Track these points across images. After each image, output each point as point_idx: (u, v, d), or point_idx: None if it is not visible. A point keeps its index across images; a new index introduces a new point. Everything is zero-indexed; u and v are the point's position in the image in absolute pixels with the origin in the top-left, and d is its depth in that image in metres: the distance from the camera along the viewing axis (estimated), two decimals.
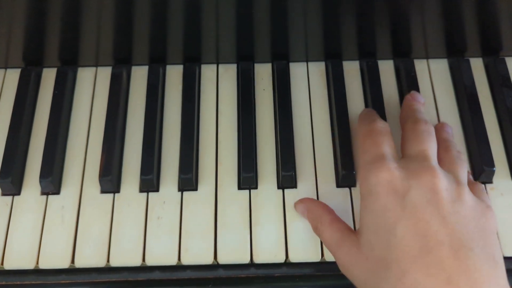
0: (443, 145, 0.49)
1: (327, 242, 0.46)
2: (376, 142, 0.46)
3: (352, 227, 0.50)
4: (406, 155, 0.47)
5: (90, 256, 0.49)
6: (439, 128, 0.52)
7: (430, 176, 0.43)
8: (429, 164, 0.44)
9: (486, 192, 0.51)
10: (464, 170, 0.47)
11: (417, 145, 0.46)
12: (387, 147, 0.46)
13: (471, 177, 0.51)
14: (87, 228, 0.50)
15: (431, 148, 0.46)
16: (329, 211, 0.48)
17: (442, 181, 0.43)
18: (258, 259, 0.49)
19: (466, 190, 0.44)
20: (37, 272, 0.50)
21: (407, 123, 0.49)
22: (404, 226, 0.41)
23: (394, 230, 0.41)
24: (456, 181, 0.44)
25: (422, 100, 0.53)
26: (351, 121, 0.55)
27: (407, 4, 0.52)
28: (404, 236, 0.41)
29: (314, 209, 0.48)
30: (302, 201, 0.50)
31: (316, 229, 0.48)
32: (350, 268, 0.44)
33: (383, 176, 0.43)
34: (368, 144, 0.47)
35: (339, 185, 0.52)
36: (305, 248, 0.49)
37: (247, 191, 0.52)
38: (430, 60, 0.59)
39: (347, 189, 0.52)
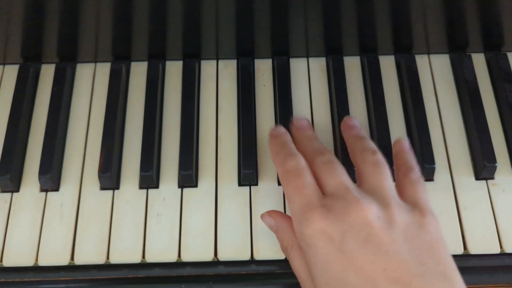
0: (358, 154, 0.47)
1: (295, 269, 0.46)
2: (296, 186, 0.44)
3: None
4: (325, 191, 0.44)
5: (90, 253, 0.49)
6: (346, 129, 0.51)
7: (357, 211, 0.41)
8: (351, 197, 0.42)
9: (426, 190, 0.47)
10: (385, 177, 0.45)
11: (332, 178, 0.44)
12: (308, 189, 0.44)
13: (416, 172, 0.47)
14: (86, 225, 0.50)
15: (344, 177, 0.45)
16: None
17: (371, 211, 0.41)
18: (258, 256, 0.49)
19: (395, 208, 0.42)
20: (36, 269, 0.49)
21: (313, 159, 0.47)
22: (353, 273, 0.40)
23: (346, 279, 0.40)
24: (382, 199, 0.43)
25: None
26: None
27: None
28: (357, 282, 0.39)
29: (285, 229, 0.47)
30: (271, 215, 0.48)
31: (285, 251, 0.47)
32: None
33: (315, 227, 0.41)
34: (289, 190, 0.45)
35: None
36: None
37: (248, 187, 0.52)
38: (432, 55, 0.59)
39: None
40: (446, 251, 0.42)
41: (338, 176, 0.45)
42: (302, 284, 0.45)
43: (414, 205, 0.43)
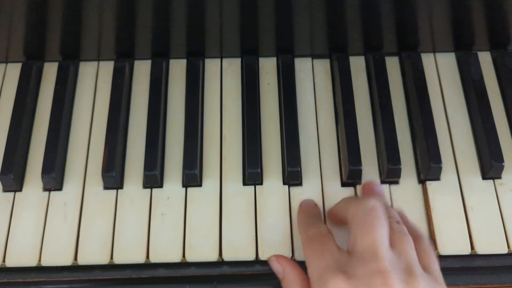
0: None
1: None
2: (316, 249, 0.43)
3: None
4: (352, 250, 0.42)
5: (93, 253, 0.49)
6: (372, 193, 0.50)
7: (382, 285, 0.38)
8: (378, 267, 0.39)
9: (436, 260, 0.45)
10: (411, 247, 0.42)
11: (364, 236, 0.41)
12: (330, 254, 0.42)
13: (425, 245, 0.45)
14: (90, 225, 0.50)
15: (381, 235, 0.41)
16: (305, 283, 0.45)
17: (396, 286, 0.38)
18: (263, 256, 0.48)
19: (419, 279, 0.40)
20: (39, 269, 0.49)
21: (350, 208, 0.45)
22: None
23: None
24: (408, 268, 0.40)
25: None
26: (357, 116, 0.54)
27: None
28: None
29: (293, 280, 0.45)
30: (279, 261, 0.47)
31: None
32: None
33: None
34: (310, 254, 0.44)
35: (344, 180, 0.52)
36: None
37: (252, 187, 0.51)
38: (437, 54, 0.59)
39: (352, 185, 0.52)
40: None
41: (372, 236, 0.41)
42: None
43: (434, 276, 0.42)
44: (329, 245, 0.43)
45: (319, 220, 0.48)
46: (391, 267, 0.40)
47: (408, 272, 0.40)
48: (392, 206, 0.51)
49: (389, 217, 0.44)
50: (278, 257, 0.47)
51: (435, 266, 0.43)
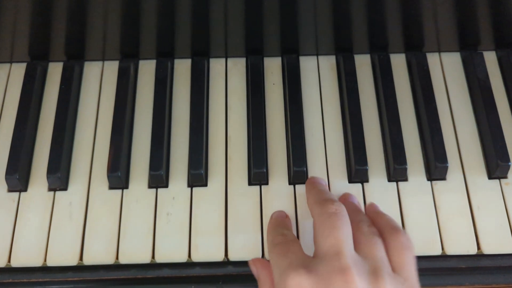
0: (354, 222, 0.44)
1: None
2: (280, 253, 0.43)
3: None
4: (316, 251, 0.42)
5: (99, 253, 0.49)
6: (344, 200, 0.50)
7: (343, 281, 0.38)
8: (340, 264, 0.39)
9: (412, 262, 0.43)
10: (379, 249, 0.42)
11: (326, 238, 0.41)
12: (293, 253, 0.42)
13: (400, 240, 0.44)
14: (95, 225, 0.50)
15: (342, 236, 0.41)
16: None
17: (358, 285, 0.38)
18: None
19: (386, 282, 0.39)
20: (44, 269, 0.49)
21: (314, 211, 0.45)
22: None
23: None
24: (374, 269, 0.40)
25: (324, 182, 0.50)
26: (363, 115, 0.54)
27: None
28: None
29: (261, 279, 0.46)
30: (254, 263, 0.47)
31: None
32: None
33: (291, 284, 0.39)
34: (273, 257, 0.43)
35: (351, 180, 0.52)
36: None
37: (258, 186, 0.51)
38: (443, 54, 0.58)
39: (359, 185, 0.51)
40: None
41: (334, 236, 0.41)
42: None
43: (404, 275, 0.41)
44: (293, 248, 0.43)
45: (287, 229, 0.47)
46: (354, 265, 0.39)
47: (373, 273, 0.40)
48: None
49: (359, 221, 0.44)
50: (254, 260, 0.47)
51: (408, 265, 0.42)
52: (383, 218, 0.46)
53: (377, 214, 0.47)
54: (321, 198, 0.45)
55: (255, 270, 0.47)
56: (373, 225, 0.45)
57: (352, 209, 0.47)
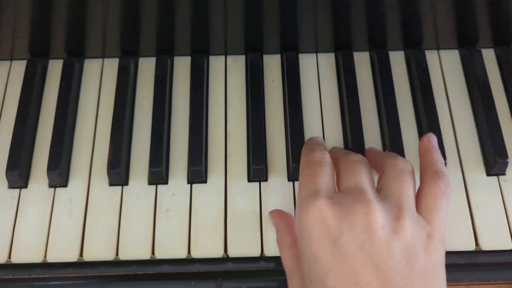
0: (388, 158, 0.45)
1: (283, 264, 0.45)
2: (311, 174, 0.43)
3: None
4: (341, 189, 0.43)
5: (99, 249, 0.49)
6: (369, 151, 0.50)
7: (364, 213, 0.39)
8: (363, 198, 0.40)
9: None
10: (407, 186, 0.42)
11: (351, 177, 0.43)
12: (322, 180, 0.43)
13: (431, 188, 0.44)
14: (95, 221, 0.50)
15: (365, 178, 0.43)
16: (290, 232, 0.46)
17: (378, 217, 0.39)
18: (269, 252, 0.48)
19: (407, 221, 0.40)
20: (44, 265, 0.49)
21: (339, 157, 0.46)
22: (334, 278, 0.38)
23: (325, 281, 0.38)
24: (397, 208, 0.40)
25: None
26: (362, 113, 0.54)
27: None
28: (334, 287, 0.38)
29: (278, 226, 0.47)
30: (272, 213, 0.49)
31: (278, 244, 0.47)
32: None
33: (313, 216, 0.40)
34: (303, 177, 0.44)
35: None
36: None
37: (257, 183, 0.51)
38: (441, 51, 0.59)
39: None
40: (441, 281, 0.40)
41: (359, 177, 0.42)
42: (287, 277, 0.44)
43: (429, 220, 0.41)
44: (325, 172, 0.43)
45: (324, 149, 0.46)
46: (376, 201, 0.40)
47: (396, 211, 0.40)
48: None
49: (393, 157, 0.45)
50: (273, 211, 0.49)
51: (437, 211, 0.42)
52: (432, 156, 0.46)
53: (427, 151, 0.47)
54: (343, 151, 0.47)
55: (273, 219, 0.48)
56: (410, 163, 0.44)
57: (377, 158, 0.47)
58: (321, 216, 0.40)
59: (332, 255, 0.39)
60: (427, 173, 0.44)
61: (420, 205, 0.42)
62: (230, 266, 0.49)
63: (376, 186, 0.44)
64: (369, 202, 0.40)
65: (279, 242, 0.46)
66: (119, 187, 0.51)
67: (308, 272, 0.40)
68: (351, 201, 0.40)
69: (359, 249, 0.38)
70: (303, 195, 0.42)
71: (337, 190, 0.44)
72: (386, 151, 0.50)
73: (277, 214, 0.48)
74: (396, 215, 0.40)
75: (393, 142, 0.52)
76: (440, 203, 0.42)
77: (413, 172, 0.44)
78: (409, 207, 0.41)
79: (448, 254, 0.49)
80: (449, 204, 0.43)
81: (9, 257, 0.49)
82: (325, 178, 0.43)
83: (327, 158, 0.45)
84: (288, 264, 0.44)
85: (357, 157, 0.45)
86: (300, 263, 0.42)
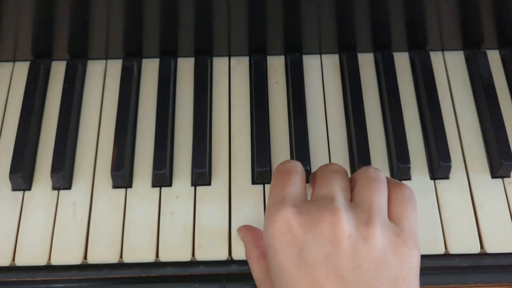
0: (361, 169, 0.43)
1: (253, 277, 0.45)
2: (280, 184, 0.42)
3: None
4: (312, 198, 0.42)
5: (103, 252, 0.49)
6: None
7: (330, 222, 0.37)
8: (331, 206, 0.38)
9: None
10: (378, 193, 0.41)
11: (324, 186, 0.41)
12: (290, 188, 0.41)
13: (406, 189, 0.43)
14: (99, 224, 0.50)
15: (338, 187, 0.41)
16: (258, 244, 0.45)
17: (345, 226, 0.37)
18: None
19: (376, 228, 0.38)
20: (47, 268, 0.49)
21: (318, 168, 0.45)
22: None
23: None
24: (367, 215, 0.39)
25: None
26: (366, 114, 0.54)
27: None
28: None
29: (245, 240, 0.47)
30: (239, 229, 0.48)
31: (247, 258, 0.46)
32: None
33: (279, 227, 0.38)
34: (272, 187, 0.42)
35: None
36: None
37: (262, 185, 0.51)
38: (446, 52, 0.58)
39: None
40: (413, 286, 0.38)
41: (332, 185, 0.41)
42: None
43: (401, 227, 0.40)
44: (294, 180, 0.42)
45: (298, 162, 0.45)
46: (345, 209, 0.38)
47: (365, 219, 0.39)
48: None
49: (369, 167, 0.44)
50: (240, 227, 0.49)
51: (408, 217, 0.40)
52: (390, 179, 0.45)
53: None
54: (326, 163, 0.45)
55: (241, 234, 0.48)
56: (381, 171, 0.43)
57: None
58: (287, 226, 0.38)
59: (297, 267, 0.38)
60: (390, 184, 0.43)
61: (390, 213, 0.41)
62: (234, 269, 0.49)
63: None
64: (337, 211, 0.38)
65: (247, 255, 0.46)
66: (123, 190, 0.51)
67: (275, 284, 0.39)
68: (319, 209, 0.39)
69: (324, 261, 0.37)
70: (270, 205, 0.41)
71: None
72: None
73: (243, 229, 0.48)
74: (366, 221, 0.38)
75: (397, 143, 0.52)
76: (409, 209, 0.41)
77: (384, 181, 0.42)
78: (379, 213, 0.39)
79: (453, 256, 0.49)
80: (417, 210, 0.42)
81: (13, 259, 0.49)
82: (294, 186, 0.42)
83: (299, 167, 0.44)
84: (257, 277, 0.44)
85: (335, 166, 0.44)
86: (269, 274, 0.41)
